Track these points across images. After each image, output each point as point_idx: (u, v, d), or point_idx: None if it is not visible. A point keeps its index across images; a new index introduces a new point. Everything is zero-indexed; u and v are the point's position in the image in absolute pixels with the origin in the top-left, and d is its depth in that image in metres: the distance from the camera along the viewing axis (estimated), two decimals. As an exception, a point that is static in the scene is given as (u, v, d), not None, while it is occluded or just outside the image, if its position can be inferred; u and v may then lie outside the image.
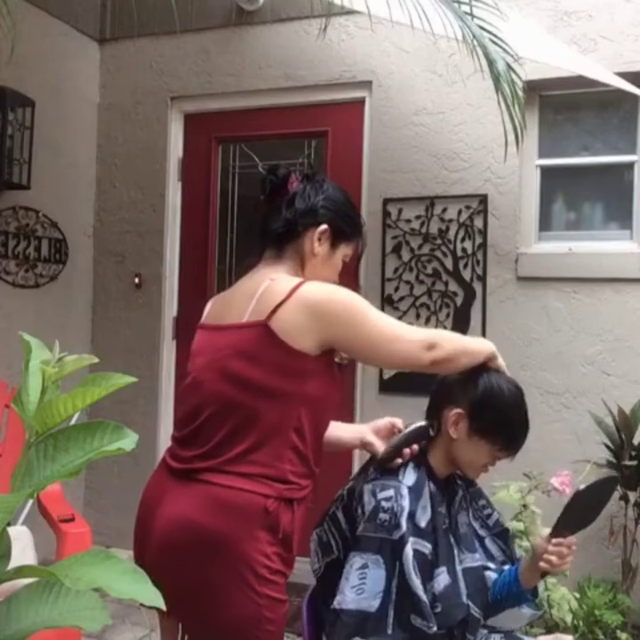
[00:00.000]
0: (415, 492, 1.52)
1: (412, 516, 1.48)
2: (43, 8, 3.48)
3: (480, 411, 1.55)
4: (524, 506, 2.40)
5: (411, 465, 1.57)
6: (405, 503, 1.48)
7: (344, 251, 1.59)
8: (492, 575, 1.64)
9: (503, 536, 1.72)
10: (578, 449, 3.01)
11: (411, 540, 1.46)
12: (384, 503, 1.48)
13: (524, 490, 2.41)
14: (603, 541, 2.89)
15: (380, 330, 1.45)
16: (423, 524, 1.50)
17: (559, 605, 2.36)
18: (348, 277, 1.65)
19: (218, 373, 1.47)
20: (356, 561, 1.46)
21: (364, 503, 1.51)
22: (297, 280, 1.45)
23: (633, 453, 2.69)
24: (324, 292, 1.45)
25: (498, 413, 1.56)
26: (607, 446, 2.75)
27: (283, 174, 1.57)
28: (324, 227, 1.54)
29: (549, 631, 2.31)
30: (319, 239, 1.54)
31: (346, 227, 1.57)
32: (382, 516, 1.47)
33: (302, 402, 1.44)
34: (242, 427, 1.42)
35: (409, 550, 1.44)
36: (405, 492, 1.50)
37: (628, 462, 2.67)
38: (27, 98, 3.29)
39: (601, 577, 2.77)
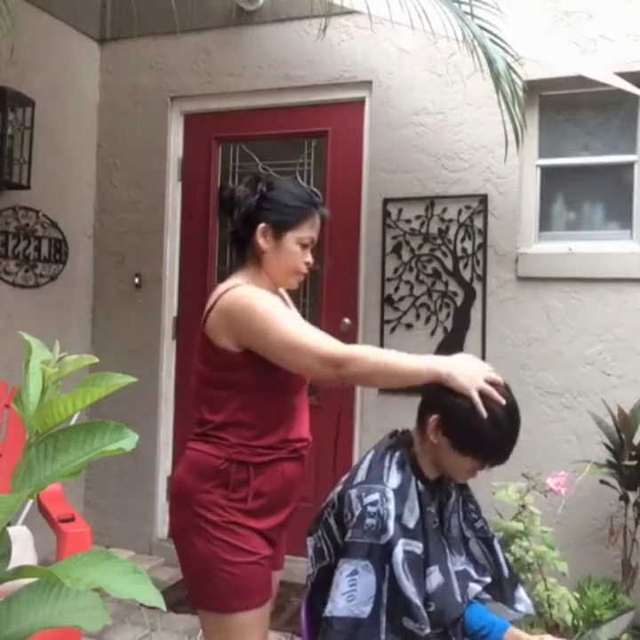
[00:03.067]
0: (400, 494, 1.51)
1: (399, 518, 1.47)
2: (43, 8, 3.48)
3: (452, 429, 1.52)
4: (523, 506, 2.40)
5: (394, 466, 1.57)
6: (391, 506, 1.47)
7: (294, 236, 1.73)
8: (474, 587, 1.63)
9: (488, 542, 1.70)
10: (578, 449, 3.01)
11: (401, 541, 1.45)
12: (370, 508, 1.47)
13: (523, 490, 2.42)
14: (603, 541, 2.90)
15: (281, 337, 1.59)
16: (412, 524, 1.50)
17: (559, 605, 2.36)
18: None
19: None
20: (345, 568, 1.45)
21: (352, 508, 1.50)
22: (226, 287, 1.69)
23: (633, 453, 2.69)
24: (234, 298, 1.65)
25: (470, 432, 1.51)
26: (607, 446, 2.75)
27: (227, 194, 1.77)
28: (261, 225, 1.71)
29: (549, 631, 2.31)
30: (264, 236, 1.72)
31: (284, 216, 1.72)
32: (369, 520, 1.46)
33: (244, 388, 1.68)
34: (204, 408, 1.74)
35: (399, 553, 1.44)
36: (391, 495, 1.49)
37: (628, 462, 2.67)
38: (27, 98, 3.29)
39: (601, 577, 2.77)
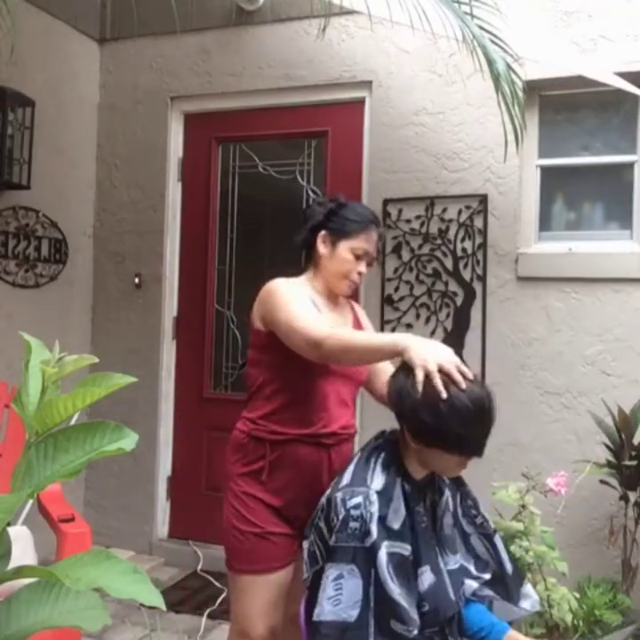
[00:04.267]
0: (385, 495, 1.51)
1: (382, 520, 1.47)
2: (43, 8, 3.48)
3: (417, 432, 1.52)
4: (523, 506, 2.40)
5: (379, 468, 1.57)
6: (374, 509, 1.47)
7: (349, 245, 1.91)
8: (471, 584, 1.62)
9: (489, 538, 1.70)
10: (578, 449, 3.01)
11: (385, 544, 1.45)
12: (353, 511, 1.47)
13: (523, 490, 2.41)
14: (603, 541, 2.89)
15: (285, 318, 1.77)
16: (397, 526, 1.49)
17: (559, 605, 2.36)
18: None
19: None
20: (331, 572, 1.46)
21: (337, 512, 1.50)
22: (274, 278, 1.91)
23: (633, 453, 2.69)
24: (267, 285, 1.89)
25: (427, 428, 1.49)
26: (607, 446, 2.75)
27: (307, 210, 2.03)
28: (322, 232, 1.94)
29: (549, 631, 2.31)
30: (323, 242, 1.94)
31: (340, 226, 1.92)
32: (352, 524, 1.46)
33: (269, 367, 1.88)
34: (247, 387, 1.97)
35: (383, 556, 1.43)
36: (374, 497, 1.49)
37: (627, 462, 2.67)
38: (27, 98, 3.29)
39: (601, 577, 2.77)
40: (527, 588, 1.71)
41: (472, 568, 1.64)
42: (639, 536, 2.74)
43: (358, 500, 1.49)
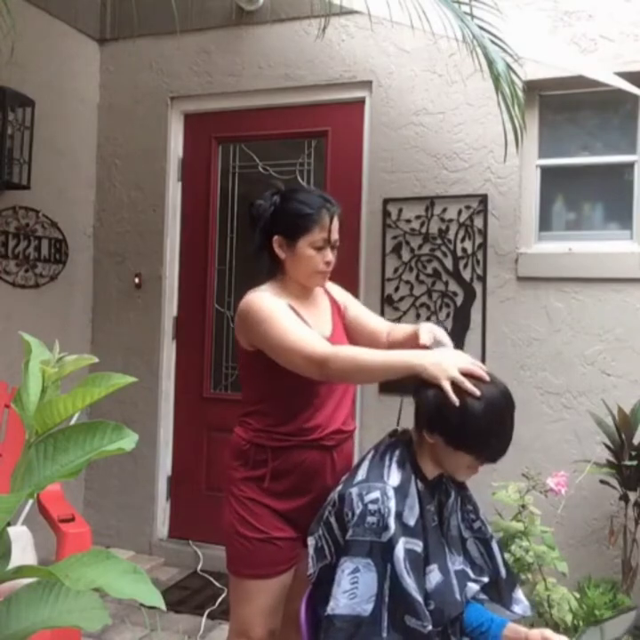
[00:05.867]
0: (401, 492, 1.51)
1: (399, 516, 1.48)
2: (43, 8, 3.48)
3: (439, 426, 1.53)
4: (523, 506, 2.40)
5: (394, 465, 1.57)
6: (392, 504, 1.48)
7: (306, 241, 1.83)
8: (472, 587, 1.63)
9: (486, 543, 1.70)
10: (578, 449, 3.01)
11: (402, 539, 1.45)
12: (371, 506, 1.48)
13: (523, 490, 2.42)
14: (603, 541, 2.90)
15: (277, 339, 1.72)
16: (412, 522, 1.50)
17: (559, 605, 2.36)
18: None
19: None
20: (347, 566, 1.46)
21: (353, 507, 1.50)
22: (249, 293, 1.86)
23: (633, 453, 2.69)
24: (245, 302, 1.84)
25: (453, 427, 1.50)
26: (607, 446, 2.76)
27: (254, 211, 1.89)
28: (275, 237, 1.85)
29: (549, 631, 2.30)
30: (280, 247, 1.86)
31: (291, 225, 1.83)
32: (370, 519, 1.47)
33: (259, 388, 1.88)
34: (242, 397, 1.95)
35: (400, 551, 1.44)
36: (391, 493, 1.49)
37: (627, 462, 2.67)
38: (27, 98, 3.29)
39: (601, 577, 2.77)
40: (519, 593, 1.72)
41: (470, 571, 1.65)
42: (639, 536, 2.74)
43: (376, 494, 1.49)
